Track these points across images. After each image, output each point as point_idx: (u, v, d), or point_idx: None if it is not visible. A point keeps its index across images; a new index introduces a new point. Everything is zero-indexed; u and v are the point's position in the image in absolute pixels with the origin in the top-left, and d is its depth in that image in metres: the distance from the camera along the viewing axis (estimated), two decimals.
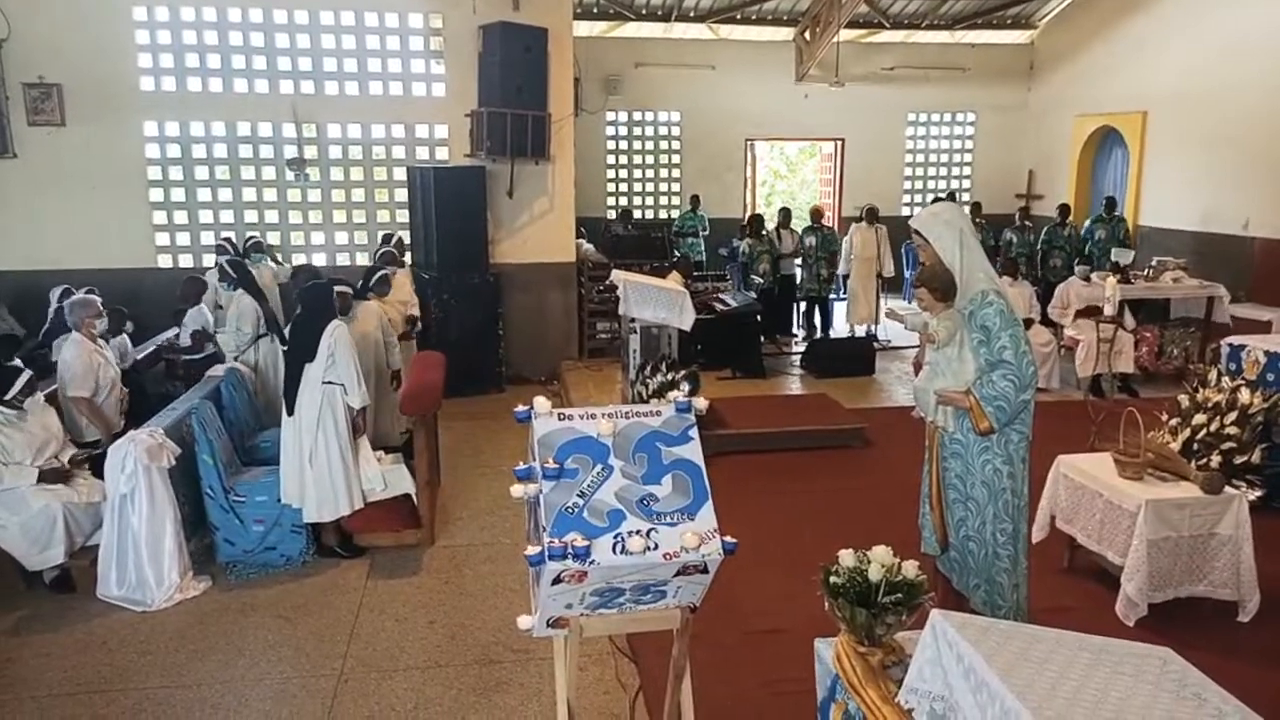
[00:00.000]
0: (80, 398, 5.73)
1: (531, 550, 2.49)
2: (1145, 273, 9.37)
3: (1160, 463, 4.60)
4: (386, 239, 8.65)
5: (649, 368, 6.90)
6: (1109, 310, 6.73)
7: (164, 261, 8.87)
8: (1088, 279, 8.75)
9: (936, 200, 12.17)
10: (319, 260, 9.17)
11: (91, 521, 4.97)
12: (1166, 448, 4.77)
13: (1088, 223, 11.15)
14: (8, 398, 4.87)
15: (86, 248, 8.47)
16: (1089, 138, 12.81)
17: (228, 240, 8.63)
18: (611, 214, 13.31)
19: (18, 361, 5.67)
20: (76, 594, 4.88)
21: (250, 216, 9.10)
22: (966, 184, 14.50)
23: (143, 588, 4.79)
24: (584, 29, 12.21)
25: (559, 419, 2.68)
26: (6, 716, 3.86)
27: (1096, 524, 4.56)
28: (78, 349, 5.77)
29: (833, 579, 2.74)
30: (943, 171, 14.55)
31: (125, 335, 7.45)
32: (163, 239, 8.96)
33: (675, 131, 13.76)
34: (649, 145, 13.79)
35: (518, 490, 2.68)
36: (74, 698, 4.00)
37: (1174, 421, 5.27)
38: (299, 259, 8.99)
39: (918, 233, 3.73)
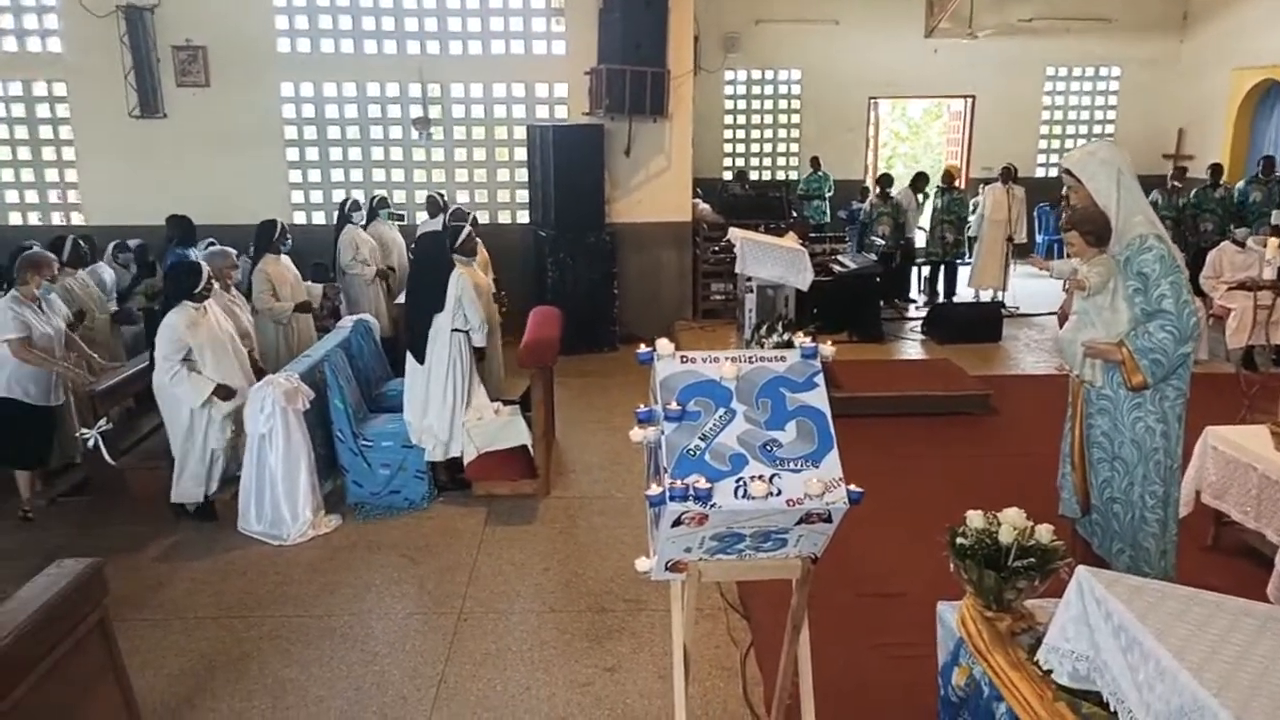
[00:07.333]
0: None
1: (653, 490, 2.47)
2: None
3: None
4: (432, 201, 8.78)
5: (764, 327, 6.78)
6: (1269, 274, 6.22)
7: (299, 218, 9.24)
8: (1243, 244, 8.10)
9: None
10: (437, 220, 9.37)
11: (235, 458, 5.28)
12: None
13: (1241, 184, 10.31)
14: (196, 291, 5.11)
15: (228, 203, 8.88)
16: (1248, 93, 11.82)
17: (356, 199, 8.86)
18: (728, 174, 13.14)
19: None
20: (219, 524, 5.20)
21: (378, 175, 9.39)
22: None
23: (279, 523, 5.06)
24: None
25: (681, 361, 2.65)
26: (159, 635, 4.15)
27: (1253, 500, 4.25)
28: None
29: (960, 540, 2.63)
30: (1082, 130, 13.73)
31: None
32: (297, 196, 9.36)
33: (795, 90, 13.43)
34: (768, 105, 13.52)
35: (637, 434, 2.65)
36: (218, 621, 4.28)
37: None
38: (421, 217, 9.23)
39: (1069, 172, 3.50)
